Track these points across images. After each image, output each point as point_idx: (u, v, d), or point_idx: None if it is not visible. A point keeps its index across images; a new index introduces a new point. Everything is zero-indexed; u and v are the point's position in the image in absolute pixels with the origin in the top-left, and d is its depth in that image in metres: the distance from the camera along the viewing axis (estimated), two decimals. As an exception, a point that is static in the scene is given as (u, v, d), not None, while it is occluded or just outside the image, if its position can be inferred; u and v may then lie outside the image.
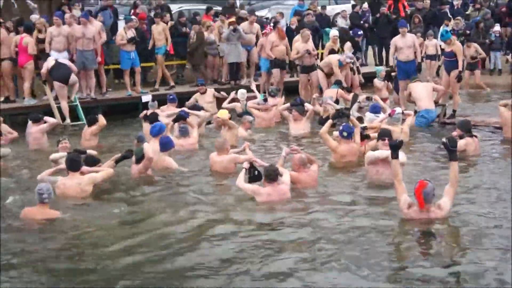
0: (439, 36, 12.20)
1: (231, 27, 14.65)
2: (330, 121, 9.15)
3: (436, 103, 11.51)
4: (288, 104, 11.56)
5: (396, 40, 12.17)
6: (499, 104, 10.43)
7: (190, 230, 6.29)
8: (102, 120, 10.56)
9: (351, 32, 16.29)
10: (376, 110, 10.37)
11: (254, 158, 7.90)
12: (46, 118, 10.69)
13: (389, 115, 9.95)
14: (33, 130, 10.47)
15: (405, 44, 11.94)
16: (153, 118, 10.09)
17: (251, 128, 11.00)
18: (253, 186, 7.15)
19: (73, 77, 12.47)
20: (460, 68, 11.60)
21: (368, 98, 11.80)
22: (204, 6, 18.17)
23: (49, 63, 12.34)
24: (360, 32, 16.08)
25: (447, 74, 11.74)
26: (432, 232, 5.96)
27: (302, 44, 13.34)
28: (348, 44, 14.02)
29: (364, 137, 8.88)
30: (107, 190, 7.82)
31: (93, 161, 7.96)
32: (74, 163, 7.50)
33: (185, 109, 10.85)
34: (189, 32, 14.97)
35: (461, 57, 11.63)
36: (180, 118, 9.91)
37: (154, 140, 8.67)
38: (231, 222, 6.48)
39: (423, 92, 11.25)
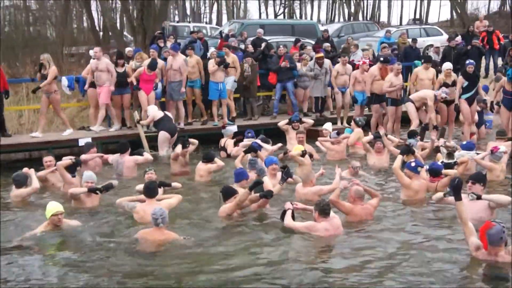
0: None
1: (317, 64, 14.80)
2: (400, 157, 8.86)
3: None
4: (371, 136, 11.46)
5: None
6: None
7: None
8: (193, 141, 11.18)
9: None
10: (469, 146, 9.96)
11: (339, 186, 7.81)
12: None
13: (491, 152, 9.57)
14: (126, 159, 10.79)
15: None
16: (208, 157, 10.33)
17: None
18: (307, 224, 7.09)
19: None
20: None
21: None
22: (292, 39, 18.44)
23: (156, 113, 12.47)
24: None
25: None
26: (503, 276, 5.63)
27: (394, 77, 13.15)
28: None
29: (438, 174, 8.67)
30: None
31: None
32: (151, 190, 7.88)
33: (258, 141, 10.99)
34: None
35: None
36: (252, 150, 9.98)
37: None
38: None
39: None
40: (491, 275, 5.67)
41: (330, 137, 12.13)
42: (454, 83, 12.80)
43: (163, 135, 12.31)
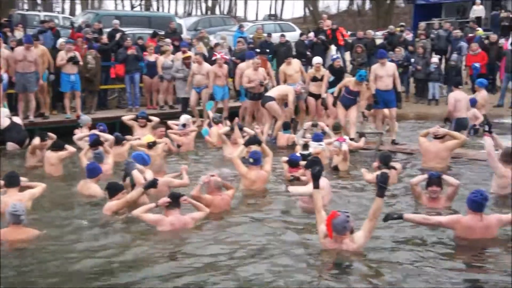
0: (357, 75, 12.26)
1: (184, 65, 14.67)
2: (243, 147, 9.03)
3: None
4: (227, 128, 11.65)
5: (376, 69, 12.09)
6: (419, 135, 10.63)
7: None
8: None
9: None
10: (318, 138, 10.41)
11: (188, 183, 7.95)
12: None
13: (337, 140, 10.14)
14: None
15: (386, 73, 11.90)
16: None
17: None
18: (156, 216, 6.90)
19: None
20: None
21: (314, 125, 11.91)
22: (149, 31, 18.25)
23: (3, 121, 11.58)
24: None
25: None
26: (341, 264, 5.82)
27: (252, 72, 13.24)
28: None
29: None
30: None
31: None
32: (13, 179, 7.45)
33: (97, 132, 10.80)
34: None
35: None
36: (96, 143, 9.79)
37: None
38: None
39: None
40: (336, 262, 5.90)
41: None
42: (323, 77, 13.06)
43: (11, 146, 11.57)
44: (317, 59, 13.57)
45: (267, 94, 12.91)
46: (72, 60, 13.61)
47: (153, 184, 7.35)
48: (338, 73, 13.17)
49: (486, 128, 8.46)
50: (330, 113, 13.13)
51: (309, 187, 6.52)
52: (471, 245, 6.27)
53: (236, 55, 16.26)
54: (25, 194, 7.42)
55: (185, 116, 12.90)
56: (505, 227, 6.50)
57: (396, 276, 5.58)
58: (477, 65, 16.71)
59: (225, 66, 14.27)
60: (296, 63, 13.78)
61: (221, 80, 14.05)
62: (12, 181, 7.44)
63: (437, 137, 10.24)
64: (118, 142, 10.78)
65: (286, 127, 12.04)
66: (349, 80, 12.29)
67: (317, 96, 13.22)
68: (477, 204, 6.33)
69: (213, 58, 14.71)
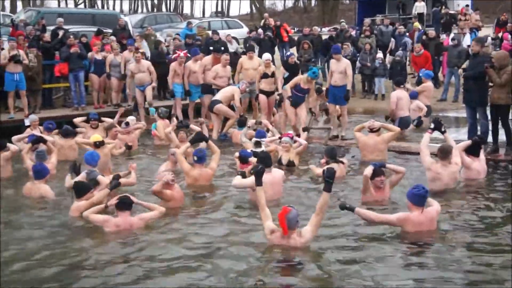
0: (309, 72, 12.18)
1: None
2: (188, 144, 9.18)
3: None
4: (171, 127, 11.42)
5: (331, 64, 12.03)
6: (354, 130, 10.78)
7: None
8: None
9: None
10: (260, 135, 10.42)
11: (135, 182, 8.07)
12: None
13: (280, 138, 10.16)
14: None
15: (337, 69, 11.80)
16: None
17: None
18: (102, 217, 6.86)
19: None
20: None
21: (257, 123, 11.90)
22: (94, 28, 17.91)
23: None
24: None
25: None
26: (291, 259, 5.85)
27: (221, 68, 13.23)
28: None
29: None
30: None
31: None
32: None
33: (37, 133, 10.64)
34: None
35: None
36: (38, 141, 9.65)
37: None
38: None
39: None
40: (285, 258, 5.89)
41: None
42: (274, 74, 12.96)
43: None
44: (266, 56, 13.44)
45: (213, 98, 12.82)
46: (14, 58, 13.25)
47: (118, 184, 7.43)
48: (293, 69, 13.11)
49: (432, 126, 8.49)
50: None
51: (253, 179, 6.58)
52: (419, 239, 6.33)
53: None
54: None
55: (131, 117, 12.82)
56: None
57: (347, 273, 5.59)
58: (428, 72, 16.34)
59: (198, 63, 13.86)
60: (257, 61, 13.58)
61: (179, 78, 13.78)
62: None
63: (372, 130, 10.40)
64: (68, 134, 10.73)
65: (241, 124, 11.96)
66: (300, 77, 12.17)
67: (268, 93, 13.07)
68: (421, 198, 6.41)
69: (173, 56, 14.53)
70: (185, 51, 14.42)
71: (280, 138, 10.28)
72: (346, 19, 25.79)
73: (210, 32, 18.57)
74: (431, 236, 6.43)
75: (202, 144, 9.68)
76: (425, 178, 8.20)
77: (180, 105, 13.95)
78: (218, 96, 12.70)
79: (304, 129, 11.63)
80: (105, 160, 9.27)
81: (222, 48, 14.77)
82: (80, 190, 7.36)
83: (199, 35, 18.94)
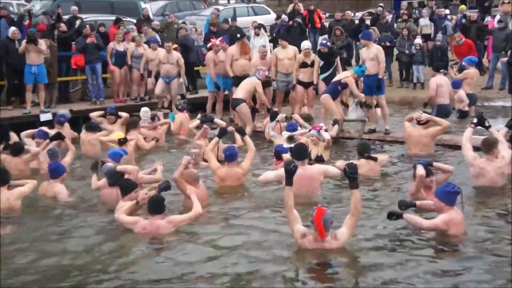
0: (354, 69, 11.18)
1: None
2: (217, 139, 8.64)
3: None
4: (198, 121, 10.93)
5: (362, 52, 11.40)
6: (405, 119, 10.14)
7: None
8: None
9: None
10: (292, 128, 9.76)
11: (160, 178, 7.70)
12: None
13: (310, 130, 9.49)
14: None
15: (368, 56, 11.05)
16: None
17: None
18: (131, 219, 6.56)
19: None
20: None
21: (287, 118, 10.94)
22: (113, 17, 16.97)
23: None
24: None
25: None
26: (329, 262, 5.49)
27: (260, 61, 12.49)
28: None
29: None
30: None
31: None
32: (2, 176, 7.26)
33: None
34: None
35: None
36: (56, 138, 9.22)
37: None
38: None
39: None
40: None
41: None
42: (313, 63, 12.07)
43: None
44: (306, 44, 12.51)
45: (234, 96, 11.97)
46: (30, 37, 12.47)
47: (168, 187, 6.90)
48: (327, 57, 12.01)
49: (475, 120, 7.98)
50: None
51: (279, 172, 6.37)
52: (459, 241, 5.92)
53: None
54: (14, 193, 7.22)
55: (144, 108, 12.01)
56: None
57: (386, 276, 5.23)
58: (471, 57, 14.86)
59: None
60: (291, 50, 12.60)
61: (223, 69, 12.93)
62: (1, 178, 7.21)
63: (420, 122, 9.80)
64: (92, 128, 10.56)
65: (273, 116, 10.88)
66: (348, 75, 10.95)
67: (306, 84, 12.13)
68: (454, 196, 5.94)
69: (209, 45, 13.89)
70: (220, 38, 13.55)
71: (310, 131, 9.56)
72: (380, 3, 24.38)
73: (229, 20, 17.40)
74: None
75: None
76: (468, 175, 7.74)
77: (212, 99, 13.32)
78: (239, 93, 11.73)
79: (335, 122, 10.73)
80: (129, 158, 8.83)
81: (238, 35, 13.64)
82: (126, 188, 6.93)
83: (211, 22, 17.64)
